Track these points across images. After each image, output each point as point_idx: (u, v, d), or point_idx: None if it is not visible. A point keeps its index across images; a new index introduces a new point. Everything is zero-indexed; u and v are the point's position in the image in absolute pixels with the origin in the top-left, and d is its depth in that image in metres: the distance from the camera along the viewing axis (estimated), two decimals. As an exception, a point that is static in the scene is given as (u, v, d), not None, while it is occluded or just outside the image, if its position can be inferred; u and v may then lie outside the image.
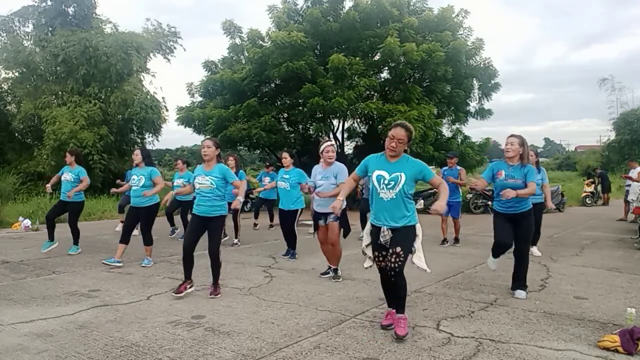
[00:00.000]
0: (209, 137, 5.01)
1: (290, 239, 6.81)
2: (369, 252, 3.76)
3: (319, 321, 3.90)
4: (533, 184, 4.50)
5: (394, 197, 3.45)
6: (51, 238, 7.10)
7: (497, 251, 4.79)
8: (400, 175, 3.45)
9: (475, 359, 3.14)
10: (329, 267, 5.55)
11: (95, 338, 3.50)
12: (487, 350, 3.28)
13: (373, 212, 3.60)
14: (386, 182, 3.47)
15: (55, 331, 3.65)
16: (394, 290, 3.60)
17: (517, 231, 4.62)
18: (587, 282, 5.31)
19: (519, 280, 4.71)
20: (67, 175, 7.02)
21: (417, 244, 3.60)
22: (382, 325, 3.66)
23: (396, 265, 3.38)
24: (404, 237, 3.48)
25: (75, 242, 7.18)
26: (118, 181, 7.34)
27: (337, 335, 3.58)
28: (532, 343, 3.41)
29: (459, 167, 8.11)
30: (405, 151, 3.58)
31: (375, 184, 3.51)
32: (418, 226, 3.58)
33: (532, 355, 3.19)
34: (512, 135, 4.62)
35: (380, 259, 3.57)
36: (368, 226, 3.74)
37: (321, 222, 5.40)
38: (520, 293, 4.64)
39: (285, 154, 6.82)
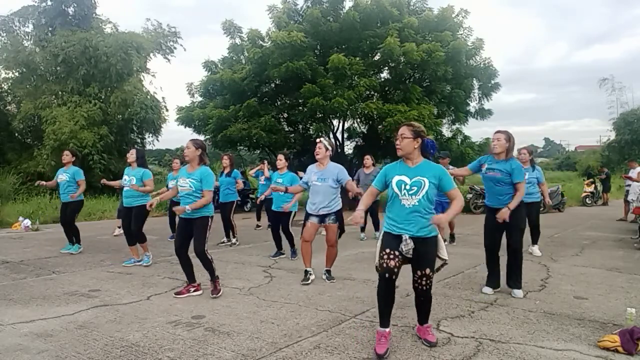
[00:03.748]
0: (192, 138, 4.90)
1: (288, 239, 6.81)
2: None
3: (319, 321, 3.90)
4: (521, 185, 4.53)
5: (417, 203, 3.22)
6: (71, 241, 7.25)
7: (488, 258, 4.87)
8: (424, 180, 3.23)
9: (475, 359, 3.14)
10: (306, 272, 5.35)
11: (95, 338, 3.50)
12: (487, 350, 3.28)
13: (392, 221, 3.30)
14: (407, 187, 3.23)
15: (55, 331, 3.65)
16: (424, 306, 3.39)
17: (506, 227, 4.64)
18: (587, 282, 5.31)
19: (513, 278, 4.71)
20: (62, 176, 7.09)
21: (444, 254, 3.38)
22: (377, 354, 3.13)
23: (427, 287, 3.27)
24: (429, 253, 3.27)
25: (77, 241, 7.21)
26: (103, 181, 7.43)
27: (337, 335, 3.58)
28: (532, 343, 3.41)
29: (451, 167, 8.11)
30: (426, 157, 3.38)
31: (396, 189, 3.27)
32: (439, 237, 3.36)
33: (532, 355, 3.19)
34: (498, 131, 4.65)
35: (392, 256, 3.17)
36: (379, 241, 3.36)
37: (313, 220, 5.29)
38: (517, 292, 4.64)
39: (280, 156, 6.75)
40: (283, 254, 6.98)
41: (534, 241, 7.10)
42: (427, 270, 3.24)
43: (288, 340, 3.45)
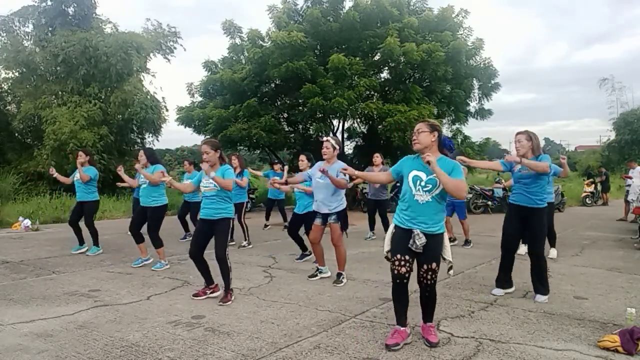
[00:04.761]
0: (206, 138, 4.88)
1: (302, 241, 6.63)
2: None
3: (319, 321, 3.90)
4: (545, 163, 4.46)
5: (430, 200, 3.26)
6: (81, 242, 7.22)
7: (503, 258, 4.79)
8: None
9: (475, 359, 3.14)
10: (317, 269, 5.53)
11: (95, 338, 3.51)
12: (487, 350, 3.28)
13: (403, 215, 3.36)
14: (423, 183, 3.28)
15: (55, 331, 3.65)
16: (429, 303, 3.41)
17: (528, 230, 4.62)
18: (587, 282, 5.31)
19: (538, 283, 4.60)
20: (78, 176, 7.00)
21: (448, 254, 3.39)
22: (387, 345, 3.30)
23: (432, 282, 3.29)
24: (437, 248, 3.31)
25: (95, 243, 7.15)
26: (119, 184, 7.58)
27: (337, 335, 3.58)
28: (532, 343, 3.41)
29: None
30: (445, 154, 3.42)
31: (411, 184, 3.33)
32: (445, 235, 3.40)
33: (532, 355, 3.19)
34: (518, 133, 4.61)
35: (402, 263, 3.26)
36: (389, 232, 3.48)
37: (317, 222, 5.30)
38: (539, 297, 4.52)
39: (302, 157, 6.46)
40: (308, 254, 6.69)
41: (552, 244, 6.94)
42: (433, 265, 3.27)
43: (288, 340, 3.45)
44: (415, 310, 4.11)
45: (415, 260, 3.33)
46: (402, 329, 3.39)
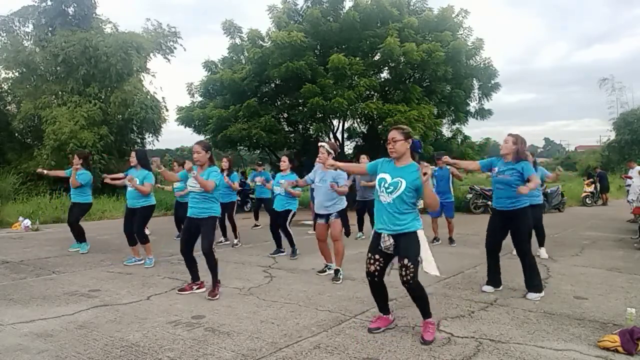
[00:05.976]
0: (199, 140, 5.02)
1: (287, 237, 6.85)
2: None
3: (319, 321, 3.90)
4: (534, 176, 4.54)
5: (391, 202, 3.42)
6: (78, 240, 7.34)
7: (487, 257, 4.92)
8: (401, 181, 3.40)
9: (475, 359, 3.14)
10: (326, 265, 5.69)
11: (95, 338, 3.51)
12: (487, 350, 3.28)
13: (375, 217, 3.60)
14: (386, 185, 3.45)
15: (55, 331, 3.65)
16: (414, 299, 3.48)
17: (513, 231, 4.70)
18: (587, 282, 5.31)
19: (528, 281, 4.68)
20: (71, 180, 7.14)
21: (424, 252, 3.42)
22: (368, 328, 3.64)
23: (407, 278, 3.34)
24: (408, 245, 3.38)
25: (83, 240, 7.28)
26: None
27: (337, 335, 3.58)
28: (532, 343, 3.41)
29: (449, 167, 8.07)
30: (414, 158, 3.52)
31: (377, 186, 3.54)
32: (420, 232, 3.45)
33: (532, 355, 3.19)
34: (508, 135, 4.73)
35: (372, 261, 3.51)
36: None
37: (320, 221, 5.51)
38: (531, 295, 4.58)
39: (284, 158, 6.87)
40: (283, 251, 7.08)
41: (541, 244, 6.93)
42: (405, 261, 3.35)
43: (288, 340, 3.46)
44: (413, 310, 4.12)
45: (389, 260, 3.51)
46: (384, 316, 3.68)
